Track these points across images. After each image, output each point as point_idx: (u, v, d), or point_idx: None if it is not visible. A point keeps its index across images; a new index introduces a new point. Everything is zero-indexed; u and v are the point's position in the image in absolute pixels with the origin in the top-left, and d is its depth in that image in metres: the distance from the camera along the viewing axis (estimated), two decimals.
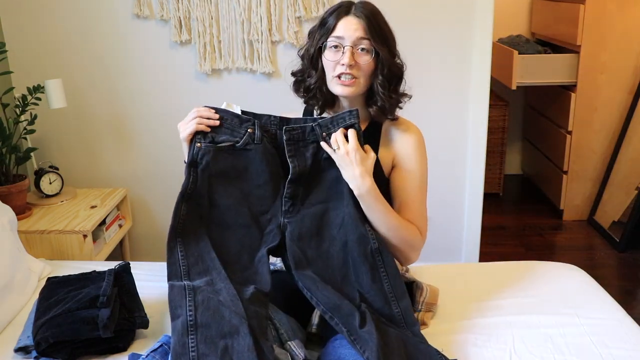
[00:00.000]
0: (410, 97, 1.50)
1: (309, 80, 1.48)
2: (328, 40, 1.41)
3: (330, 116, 1.42)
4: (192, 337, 1.17)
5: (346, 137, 1.38)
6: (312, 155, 1.42)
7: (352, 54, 1.38)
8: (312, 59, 1.46)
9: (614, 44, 3.14)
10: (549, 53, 3.45)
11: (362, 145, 1.38)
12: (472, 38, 2.40)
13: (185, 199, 1.43)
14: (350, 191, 1.39)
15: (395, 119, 1.50)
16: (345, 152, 1.36)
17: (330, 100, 1.49)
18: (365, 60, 1.39)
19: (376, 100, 1.44)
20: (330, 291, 1.31)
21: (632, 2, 3.08)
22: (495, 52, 2.78)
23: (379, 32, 1.39)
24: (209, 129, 1.43)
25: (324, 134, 1.40)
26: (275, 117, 1.44)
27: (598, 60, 3.17)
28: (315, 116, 1.51)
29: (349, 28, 1.39)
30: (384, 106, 1.44)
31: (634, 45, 3.14)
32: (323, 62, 1.44)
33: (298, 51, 1.52)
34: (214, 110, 1.44)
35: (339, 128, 1.39)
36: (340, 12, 1.41)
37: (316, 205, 1.43)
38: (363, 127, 1.49)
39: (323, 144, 1.40)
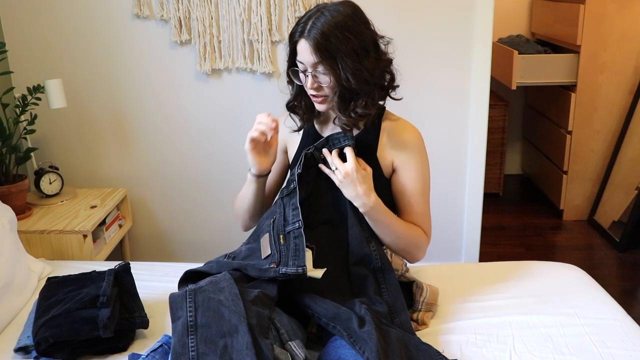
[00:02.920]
0: (374, 112, 1.44)
1: (290, 96, 1.51)
2: (295, 62, 1.41)
3: (324, 138, 1.44)
4: (192, 337, 1.17)
5: (341, 156, 1.40)
6: (312, 178, 1.46)
7: (314, 77, 1.38)
8: (288, 76, 1.48)
9: (614, 44, 3.13)
10: (549, 53, 3.45)
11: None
12: (472, 38, 2.40)
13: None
14: (354, 211, 1.42)
15: (359, 128, 1.48)
16: (344, 174, 1.37)
17: (311, 111, 1.51)
18: (326, 82, 1.38)
19: (337, 117, 1.44)
20: (328, 303, 1.33)
21: (632, 2, 3.08)
22: (495, 52, 2.78)
23: (331, 52, 1.33)
24: (264, 137, 1.44)
25: (322, 155, 1.43)
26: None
27: (598, 60, 3.17)
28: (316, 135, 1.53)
29: (304, 53, 1.37)
30: (346, 124, 1.43)
31: (634, 45, 3.14)
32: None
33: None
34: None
35: (334, 149, 1.42)
36: (297, 32, 1.38)
37: (318, 227, 1.44)
38: (358, 130, 1.50)
39: (322, 167, 1.44)
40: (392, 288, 1.43)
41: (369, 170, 1.41)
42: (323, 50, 1.33)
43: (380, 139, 1.49)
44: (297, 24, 1.39)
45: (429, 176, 1.54)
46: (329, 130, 1.54)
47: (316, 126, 1.57)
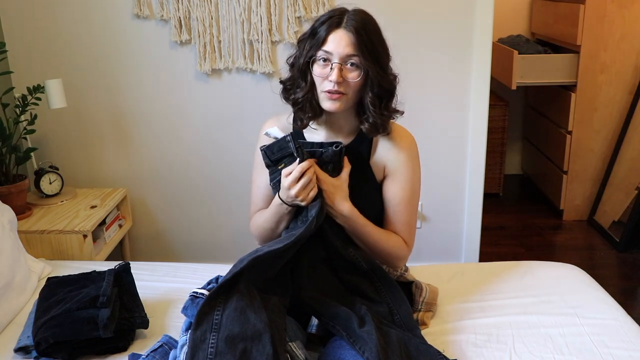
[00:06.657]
0: (402, 113, 1.46)
1: (298, 92, 1.42)
2: (317, 53, 1.36)
3: (319, 142, 1.41)
4: (214, 334, 1.16)
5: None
6: None
7: (341, 70, 1.34)
8: (301, 70, 1.41)
9: (614, 44, 3.13)
10: (549, 53, 3.45)
11: (341, 162, 1.39)
12: (472, 38, 2.40)
13: None
14: (328, 223, 1.39)
15: (388, 133, 1.46)
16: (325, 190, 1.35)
17: (319, 113, 1.44)
18: (354, 77, 1.35)
19: (368, 117, 1.40)
20: (328, 302, 1.32)
21: (632, 2, 3.08)
22: (495, 52, 2.78)
23: (369, 48, 1.34)
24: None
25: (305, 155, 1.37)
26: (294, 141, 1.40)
27: (598, 60, 3.17)
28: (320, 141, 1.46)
29: (338, 44, 1.33)
30: (376, 123, 1.40)
31: (634, 45, 3.14)
32: (313, 74, 1.40)
33: (287, 59, 1.47)
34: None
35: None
36: (331, 24, 1.35)
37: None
38: (352, 137, 1.47)
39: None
40: (387, 283, 1.42)
41: (345, 176, 1.39)
42: (366, 43, 1.33)
43: (373, 145, 1.48)
44: (329, 16, 1.36)
45: (420, 185, 1.51)
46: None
47: (306, 135, 1.52)
